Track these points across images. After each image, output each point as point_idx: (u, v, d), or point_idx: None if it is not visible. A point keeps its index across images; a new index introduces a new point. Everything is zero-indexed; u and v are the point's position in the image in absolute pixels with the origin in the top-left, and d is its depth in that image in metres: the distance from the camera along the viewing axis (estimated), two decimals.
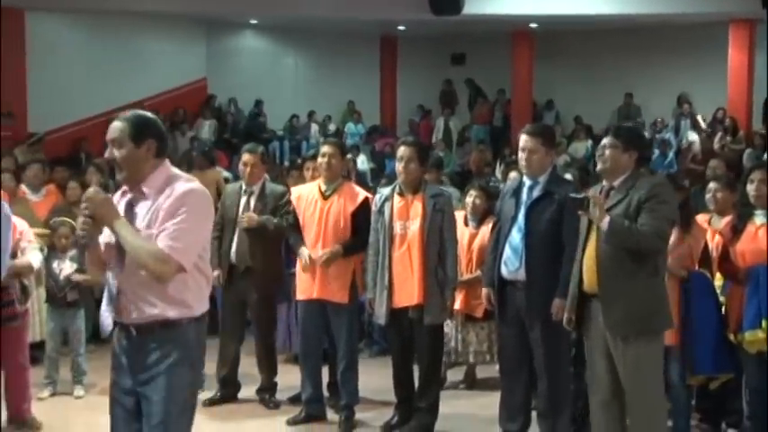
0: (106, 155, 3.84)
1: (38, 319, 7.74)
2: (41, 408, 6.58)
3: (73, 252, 7.19)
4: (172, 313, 3.73)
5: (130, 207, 3.82)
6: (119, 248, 3.74)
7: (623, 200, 5.01)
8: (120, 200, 3.89)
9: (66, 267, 7.26)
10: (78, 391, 7.34)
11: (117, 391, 3.88)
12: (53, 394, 7.25)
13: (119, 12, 16.35)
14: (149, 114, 3.96)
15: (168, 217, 3.66)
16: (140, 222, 3.75)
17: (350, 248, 6.46)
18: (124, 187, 3.92)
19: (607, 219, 4.88)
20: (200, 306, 3.86)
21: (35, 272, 6.50)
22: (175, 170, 3.88)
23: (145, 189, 3.79)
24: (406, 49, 21.81)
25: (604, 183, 5.23)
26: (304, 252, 6.49)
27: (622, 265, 4.96)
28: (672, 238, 5.31)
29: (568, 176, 7.27)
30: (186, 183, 3.78)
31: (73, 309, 7.36)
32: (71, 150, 15.57)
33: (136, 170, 3.79)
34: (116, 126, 3.78)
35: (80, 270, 7.04)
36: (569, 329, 5.40)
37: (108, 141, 3.81)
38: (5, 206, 3.84)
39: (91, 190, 3.79)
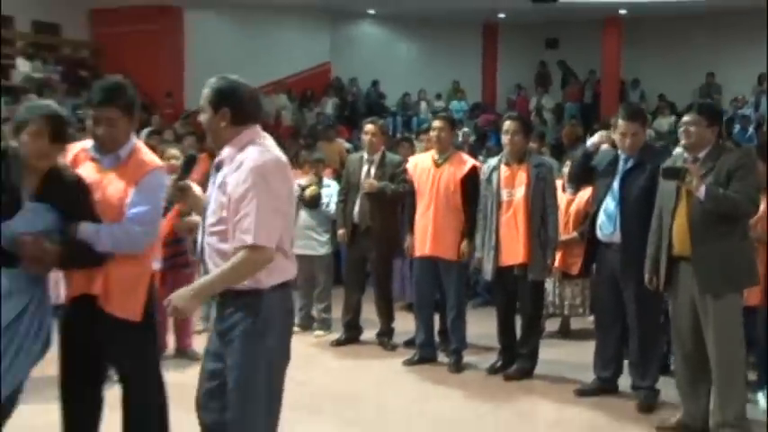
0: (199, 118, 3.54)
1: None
2: (197, 341, 6.63)
3: None
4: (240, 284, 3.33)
5: (216, 170, 3.45)
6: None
7: (712, 170, 4.80)
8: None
9: None
10: None
11: (206, 352, 3.58)
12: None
13: (259, 6, 16.61)
14: (233, 81, 3.43)
15: (238, 198, 3.22)
16: (216, 186, 3.40)
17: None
18: None
19: (703, 187, 4.68)
20: (271, 279, 3.32)
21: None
22: (258, 138, 3.38)
23: (224, 154, 3.41)
24: (505, 35, 21.47)
25: (686, 155, 5.02)
26: None
27: (715, 229, 4.76)
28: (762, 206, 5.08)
29: None
30: (257, 155, 3.28)
31: None
32: None
33: (215, 136, 3.42)
34: (203, 92, 3.45)
35: None
36: (653, 290, 5.17)
37: None
38: (161, 175, 3.66)
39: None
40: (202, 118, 3.44)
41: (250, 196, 3.19)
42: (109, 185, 3.83)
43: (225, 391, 3.39)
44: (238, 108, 3.36)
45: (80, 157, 3.94)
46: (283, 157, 3.40)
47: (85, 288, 3.83)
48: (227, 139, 3.38)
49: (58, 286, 5.00)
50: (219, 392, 3.42)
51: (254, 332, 3.31)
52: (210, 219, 3.38)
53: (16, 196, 3.59)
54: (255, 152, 3.28)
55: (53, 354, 3.92)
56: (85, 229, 3.71)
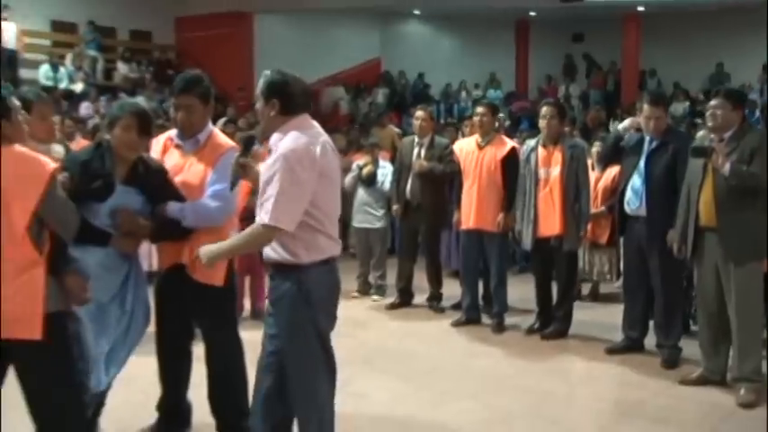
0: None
1: None
2: None
3: None
4: (281, 258, 3.16)
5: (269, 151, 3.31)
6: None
7: (735, 149, 4.63)
8: None
9: None
10: None
11: (265, 320, 3.43)
12: None
13: (318, 9, 16.50)
14: (284, 75, 3.26)
15: (266, 180, 3.08)
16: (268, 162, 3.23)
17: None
18: None
19: (728, 164, 4.52)
20: (310, 256, 3.17)
21: None
22: (303, 127, 3.19)
23: (271, 141, 3.24)
24: (535, 31, 21.10)
25: (712, 135, 4.85)
26: None
27: (738, 203, 4.60)
28: None
29: None
30: (291, 143, 3.10)
31: None
32: None
33: (264, 123, 3.27)
34: (258, 83, 3.31)
35: None
36: (681, 258, 5.02)
37: None
38: (235, 155, 3.56)
39: None
40: (257, 106, 3.32)
41: (275, 180, 3.04)
42: (191, 168, 3.85)
43: (282, 358, 3.28)
44: (287, 99, 3.20)
45: (167, 144, 3.99)
46: (319, 146, 3.16)
47: (176, 258, 3.85)
48: (275, 127, 3.22)
49: (151, 256, 4.99)
50: (277, 359, 3.30)
51: (299, 302, 3.18)
52: (261, 198, 3.25)
53: (110, 182, 3.61)
54: (290, 139, 3.11)
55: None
56: (172, 207, 3.72)
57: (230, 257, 3.19)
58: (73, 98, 13.00)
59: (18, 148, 2.98)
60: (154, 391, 4.13)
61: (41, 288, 2.95)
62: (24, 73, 13.66)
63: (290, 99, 3.20)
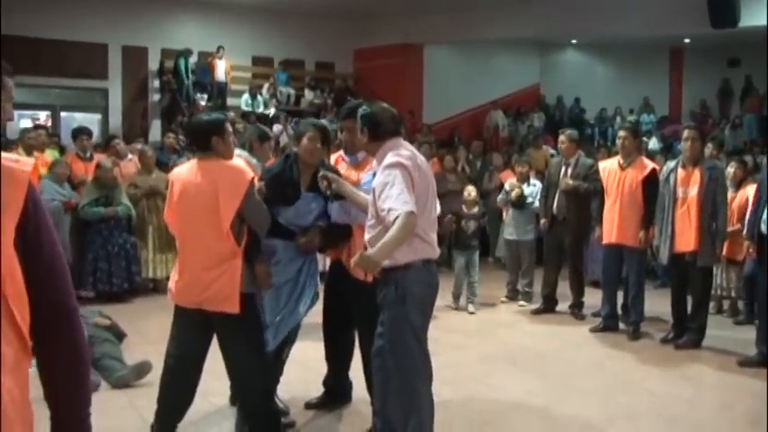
0: None
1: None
2: None
3: (475, 210, 7.32)
4: (384, 262, 3.19)
5: (373, 175, 3.55)
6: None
7: None
8: None
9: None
10: (471, 308, 7.32)
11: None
12: None
13: (481, 40, 16.59)
14: (371, 106, 3.55)
15: (385, 183, 3.22)
16: (373, 183, 3.41)
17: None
18: None
19: None
20: (406, 256, 3.25)
21: None
22: (395, 149, 3.37)
23: (374, 162, 3.53)
24: (689, 56, 20.05)
25: None
26: None
27: None
28: None
29: None
30: (395, 157, 3.29)
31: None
32: (449, 135, 16.01)
33: (362, 148, 3.68)
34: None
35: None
36: None
37: None
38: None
39: None
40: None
41: (397, 182, 3.19)
42: (351, 179, 4.10)
43: (384, 357, 3.36)
44: (374, 128, 3.44)
45: (338, 159, 4.35)
46: (417, 159, 3.37)
47: (338, 255, 4.19)
48: (371, 151, 3.52)
49: (325, 259, 5.38)
50: (381, 360, 3.39)
51: (396, 301, 3.27)
52: (367, 216, 3.44)
53: (297, 189, 4.01)
54: (392, 155, 3.32)
55: (318, 307, 4.28)
56: (340, 205, 3.99)
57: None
58: (266, 121, 14.00)
59: (225, 161, 3.48)
60: (321, 369, 4.50)
61: (239, 273, 3.43)
62: (229, 101, 14.89)
63: (378, 127, 3.45)
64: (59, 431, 1.58)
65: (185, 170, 3.59)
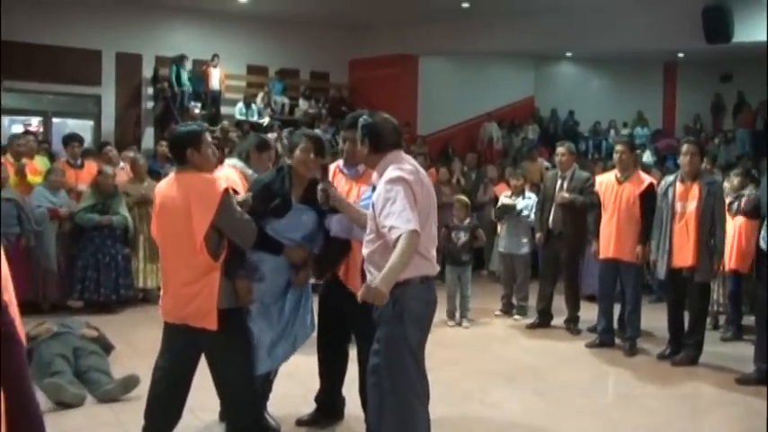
0: None
1: None
2: None
3: (466, 222, 7.14)
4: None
5: (374, 188, 3.39)
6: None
7: None
8: None
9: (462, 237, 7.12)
10: (465, 323, 7.20)
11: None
12: None
13: (476, 52, 16.57)
14: (372, 116, 3.39)
15: (387, 199, 3.09)
16: (370, 205, 3.28)
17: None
18: None
19: None
20: (405, 273, 3.06)
21: None
22: (396, 162, 3.24)
23: (373, 178, 3.39)
24: (683, 71, 20.13)
25: None
26: None
27: None
28: None
29: None
30: (396, 171, 3.16)
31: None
32: (443, 147, 15.95)
33: (362, 160, 3.56)
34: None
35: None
36: None
37: None
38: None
39: None
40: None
41: (399, 198, 3.07)
42: (351, 192, 4.00)
43: (380, 374, 3.22)
44: (375, 139, 3.31)
45: (336, 171, 4.19)
46: (419, 174, 3.23)
47: (336, 271, 4.04)
48: (371, 163, 3.37)
49: None
50: (377, 377, 3.24)
51: (393, 318, 3.13)
52: (366, 231, 3.32)
53: (288, 200, 3.88)
54: (393, 169, 3.20)
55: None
56: (339, 220, 3.86)
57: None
58: (260, 130, 13.91)
59: (199, 173, 3.36)
60: (313, 384, 4.38)
61: (216, 288, 3.34)
62: (223, 110, 14.78)
63: (379, 138, 3.32)
64: None
65: (165, 184, 3.51)
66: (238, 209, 3.47)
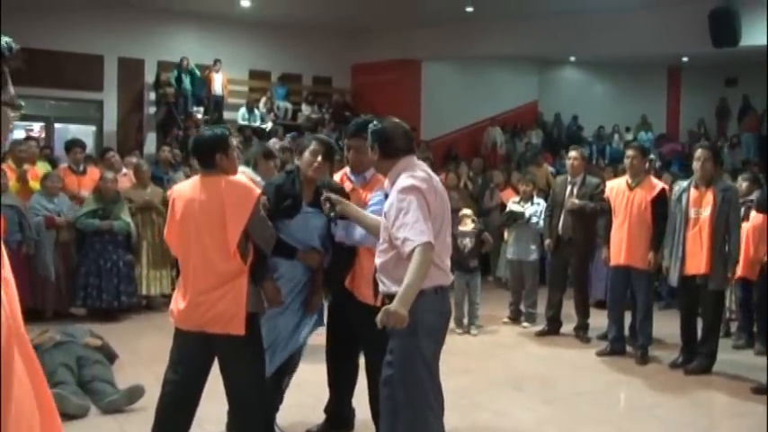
0: None
1: None
2: None
3: (471, 227, 7.02)
4: (389, 290, 3.09)
5: (386, 195, 3.28)
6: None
7: None
8: None
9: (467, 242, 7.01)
10: (474, 330, 7.12)
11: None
12: None
13: (479, 56, 16.52)
14: (384, 124, 3.28)
15: (401, 209, 3.00)
16: (384, 206, 3.23)
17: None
18: None
19: None
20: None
21: None
22: (409, 168, 3.15)
23: (386, 182, 3.27)
24: (687, 75, 20.05)
25: None
26: None
27: None
28: None
29: None
30: (409, 179, 3.07)
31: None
32: (446, 152, 15.89)
33: (374, 166, 3.45)
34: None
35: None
36: None
37: None
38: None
39: None
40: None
41: (412, 209, 2.98)
42: (358, 200, 3.92)
43: (393, 386, 3.13)
44: (385, 145, 3.22)
45: (342, 178, 4.13)
46: (432, 182, 3.14)
47: (342, 280, 3.95)
48: (383, 169, 3.27)
49: None
50: (390, 389, 3.15)
51: (407, 329, 2.97)
52: (378, 240, 3.24)
53: (298, 202, 3.83)
54: (406, 176, 3.10)
55: (320, 330, 4.11)
56: (343, 227, 3.80)
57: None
58: (262, 135, 13.85)
59: (229, 177, 3.32)
60: (322, 395, 4.30)
61: (245, 293, 3.28)
62: (226, 114, 14.73)
63: (389, 144, 3.22)
64: None
65: (188, 187, 3.43)
66: (263, 213, 3.45)
